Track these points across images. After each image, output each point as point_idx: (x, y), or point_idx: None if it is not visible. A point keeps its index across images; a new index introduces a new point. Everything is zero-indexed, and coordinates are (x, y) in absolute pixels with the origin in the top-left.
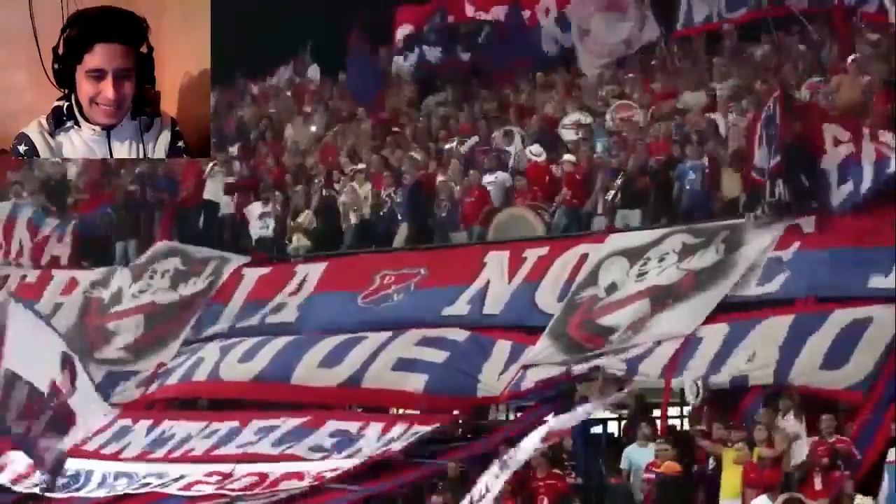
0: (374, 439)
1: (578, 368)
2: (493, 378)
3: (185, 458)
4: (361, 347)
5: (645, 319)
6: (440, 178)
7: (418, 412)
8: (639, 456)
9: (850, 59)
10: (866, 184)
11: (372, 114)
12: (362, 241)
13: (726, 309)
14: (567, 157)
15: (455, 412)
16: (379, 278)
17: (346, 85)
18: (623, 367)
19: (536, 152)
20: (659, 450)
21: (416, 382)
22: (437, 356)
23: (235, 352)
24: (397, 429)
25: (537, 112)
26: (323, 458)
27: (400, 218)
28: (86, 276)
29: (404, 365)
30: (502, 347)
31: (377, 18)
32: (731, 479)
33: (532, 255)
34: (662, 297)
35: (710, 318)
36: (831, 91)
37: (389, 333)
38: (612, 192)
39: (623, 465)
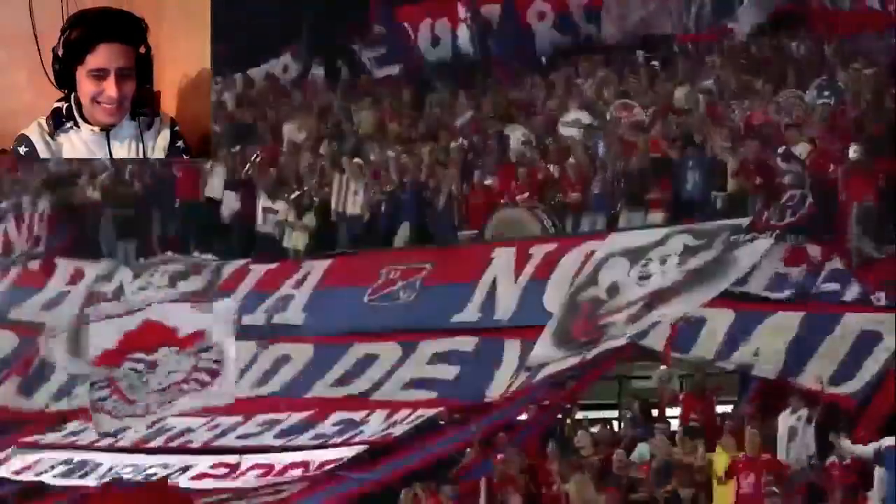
0: (377, 423)
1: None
2: (502, 387)
3: (184, 448)
4: (373, 370)
5: (641, 314)
6: (442, 177)
7: None
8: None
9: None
10: None
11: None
12: (362, 241)
13: (731, 297)
14: (572, 159)
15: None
16: (385, 273)
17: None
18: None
19: (534, 150)
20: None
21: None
22: (448, 372)
23: (250, 375)
24: (401, 413)
25: (538, 110)
26: (323, 444)
27: (400, 218)
28: (91, 269)
29: (415, 384)
30: (512, 350)
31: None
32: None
33: (538, 251)
34: (662, 296)
35: (715, 304)
36: None
37: (400, 351)
38: (614, 191)
39: (635, 457)
